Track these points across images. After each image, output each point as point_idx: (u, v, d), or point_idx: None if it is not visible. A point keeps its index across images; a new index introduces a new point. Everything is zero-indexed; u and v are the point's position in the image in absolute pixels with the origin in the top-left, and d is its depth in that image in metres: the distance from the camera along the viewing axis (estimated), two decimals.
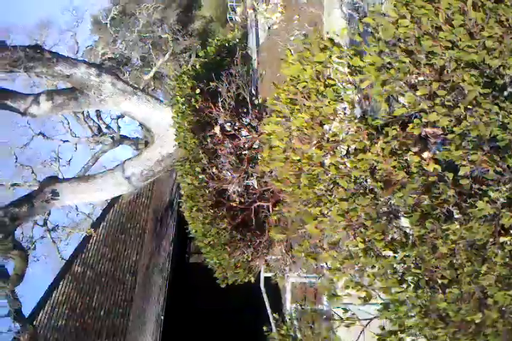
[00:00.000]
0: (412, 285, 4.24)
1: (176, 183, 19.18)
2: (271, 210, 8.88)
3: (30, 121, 21.23)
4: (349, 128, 4.51)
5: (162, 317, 15.44)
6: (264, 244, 9.01)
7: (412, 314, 4.31)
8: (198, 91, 8.43)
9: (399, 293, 4.26)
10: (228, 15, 28.11)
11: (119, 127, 23.96)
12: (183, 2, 30.34)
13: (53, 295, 18.27)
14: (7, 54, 11.15)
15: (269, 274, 11.10)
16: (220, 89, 8.49)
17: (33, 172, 20.68)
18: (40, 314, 17.53)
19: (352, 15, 7.33)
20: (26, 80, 20.01)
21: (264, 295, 11.64)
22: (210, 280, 9.96)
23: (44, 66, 11.79)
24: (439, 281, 4.16)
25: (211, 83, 8.53)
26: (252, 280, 9.65)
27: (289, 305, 9.96)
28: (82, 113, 21.73)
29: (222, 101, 8.36)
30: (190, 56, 29.07)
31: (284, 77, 5.25)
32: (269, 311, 11.53)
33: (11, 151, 20.93)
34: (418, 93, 4.23)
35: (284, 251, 9.10)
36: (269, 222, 8.75)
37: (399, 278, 4.29)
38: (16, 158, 20.97)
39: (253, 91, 10.56)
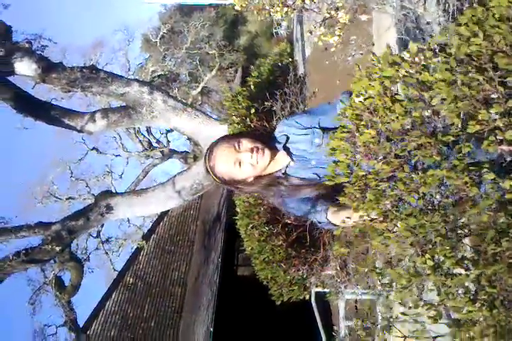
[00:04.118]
0: (486, 305, 4.12)
1: (224, 195, 19.34)
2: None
3: (85, 137, 22.04)
4: (419, 144, 4.49)
5: (211, 329, 15.50)
6: (319, 261, 8.92)
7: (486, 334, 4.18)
8: (252, 110, 8.44)
9: (471, 312, 4.15)
10: (274, 30, 28.43)
11: (168, 141, 24.48)
12: (230, 18, 31.00)
13: (106, 305, 18.72)
14: (65, 74, 11.67)
15: (320, 289, 10.96)
16: (274, 108, 8.52)
17: (87, 185, 21.39)
18: (94, 324, 17.97)
19: (406, 39, 7.23)
20: (81, 99, 20.82)
21: (315, 310, 11.47)
22: (259, 292, 9.90)
23: (99, 85, 12.21)
24: None
25: (266, 102, 8.56)
26: (307, 297, 9.56)
27: (343, 323, 9.78)
28: (134, 128, 22.36)
29: (276, 120, 8.37)
30: (236, 71, 29.54)
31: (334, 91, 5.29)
32: (320, 327, 11.38)
33: (67, 166, 21.76)
34: (492, 110, 4.17)
35: (338, 268, 8.98)
36: (324, 239, 8.67)
37: (471, 297, 4.18)
38: (72, 173, 21.75)
39: (305, 108, 10.61)
